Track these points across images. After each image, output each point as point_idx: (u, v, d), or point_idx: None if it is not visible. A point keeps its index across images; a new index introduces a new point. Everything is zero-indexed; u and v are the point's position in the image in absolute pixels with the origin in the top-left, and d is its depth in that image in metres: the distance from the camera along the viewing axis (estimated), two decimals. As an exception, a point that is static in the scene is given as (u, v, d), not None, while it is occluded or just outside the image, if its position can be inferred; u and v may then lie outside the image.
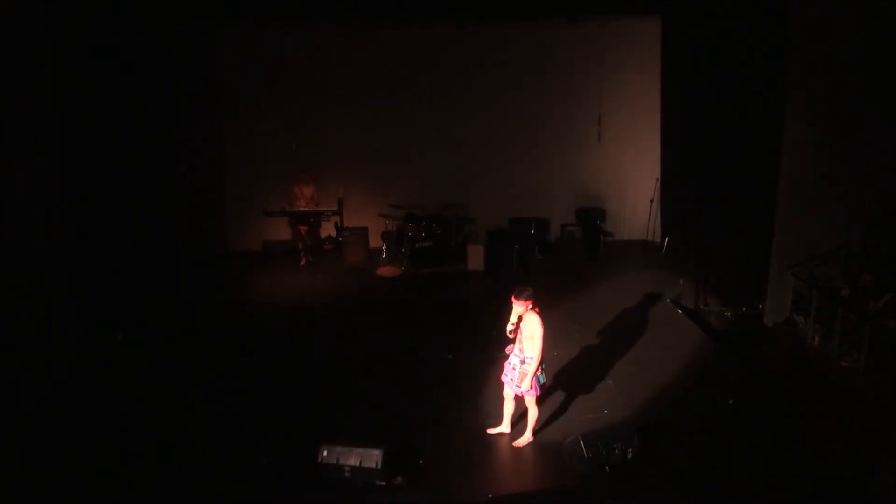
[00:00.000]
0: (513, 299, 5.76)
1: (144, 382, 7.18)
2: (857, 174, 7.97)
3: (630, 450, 5.75)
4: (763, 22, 8.42)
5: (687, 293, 9.64)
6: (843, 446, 5.98)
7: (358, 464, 5.48)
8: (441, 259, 11.14)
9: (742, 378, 7.33)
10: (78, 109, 7.80)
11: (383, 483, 5.49)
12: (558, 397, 6.85)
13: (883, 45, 7.61)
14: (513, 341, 5.96)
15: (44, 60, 7.17)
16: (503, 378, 6.09)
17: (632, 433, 5.87)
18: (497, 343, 6.05)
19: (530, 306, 5.75)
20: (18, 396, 6.43)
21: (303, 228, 11.26)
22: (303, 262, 11.31)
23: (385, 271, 10.88)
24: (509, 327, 5.81)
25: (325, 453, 5.55)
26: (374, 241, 11.47)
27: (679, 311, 9.25)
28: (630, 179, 12.26)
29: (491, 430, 6.25)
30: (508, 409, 6.21)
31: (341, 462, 5.50)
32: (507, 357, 6.08)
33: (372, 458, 5.48)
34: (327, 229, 11.98)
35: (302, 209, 11.09)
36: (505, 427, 6.26)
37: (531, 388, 5.87)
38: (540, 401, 6.19)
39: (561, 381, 7.11)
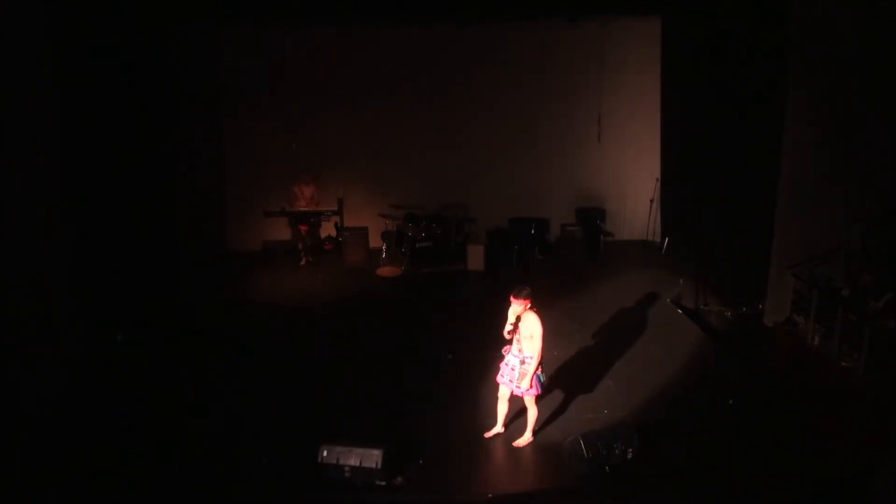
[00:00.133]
0: (511, 299, 5.75)
1: (144, 382, 7.18)
2: (857, 174, 7.97)
3: (630, 450, 5.75)
4: (763, 22, 8.41)
5: (687, 293, 9.64)
6: (843, 446, 5.98)
7: (358, 464, 5.48)
8: (441, 259, 11.14)
9: (742, 378, 7.33)
10: (78, 109, 7.80)
11: (383, 483, 5.49)
12: (558, 397, 6.85)
13: (883, 45, 7.61)
14: (509, 342, 5.95)
15: (44, 60, 7.18)
16: (499, 379, 6.06)
17: (632, 433, 5.87)
18: (498, 343, 6.04)
19: (529, 305, 5.75)
20: (18, 396, 6.43)
21: (303, 228, 11.26)
22: (303, 262, 11.31)
23: (385, 271, 10.88)
24: (508, 327, 5.80)
25: (325, 453, 5.55)
26: (374, 241, 11.47)
27: (679, 311, 9.25)
28: (630, 179, 12.27)
29: (487, 434, 6.23)
30: (503, 409, 6.20)
31: (341, 462, 5.50)
32: (502, 358, 6.07)
33: (372, 458, 5.48)
34: (327, 229, 11.98)
35: (302, 209, 11.09)
36: (499, 428, 6.26)
37: (531, 387, 5.86)
38: (539, 400, 6.19)
39: (561, 380, 7.11)
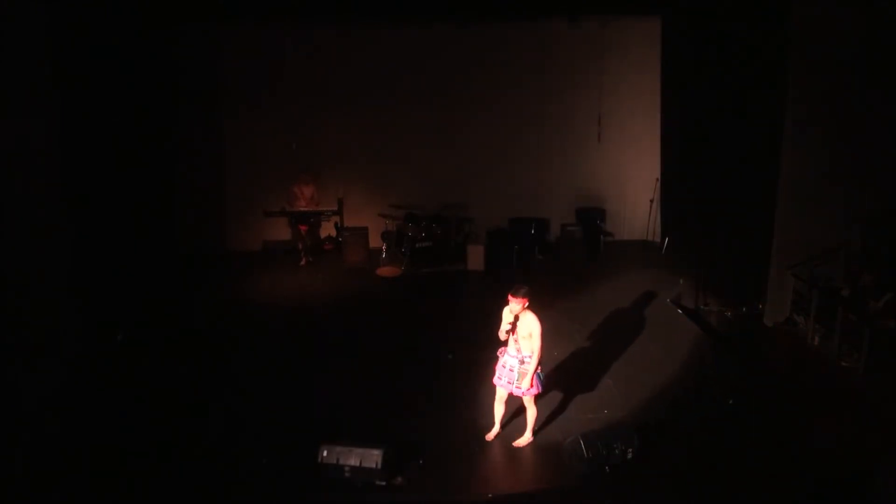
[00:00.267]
0: (509, 297, 5.73)
1: (144, 382, 7.18)
2: (857, 174, 7.97)
3: (630, 450, 5.75)
4: (763, 22, 8.41)
5: (687, 293, 9.64)
6: (843, 446, 5.98)
7: (358, 464, 5.48)
8: (441, 259, 11.14)
9: (742, 378, 7.33)
10: (78, 109, 7.81)
11: (383, 483, 5.49)
12: (558, 397, 6.85)
13: (883, 45, 7.61)
14: (505, 343, 5.94)
15: (44, 60, 7.18)
16: (496, 381, 6.03)
17: (632, 433, 5.87)
18: (498, 343, 6.03)
19: (526, 304, 5.73)
20: (18, 396, 6.43)
21: (303, 228, 11.26)
22: (303, 262, 11.31)
23: (385, 271, 10.88)
24: (506, 327, 5.77)
25: (325, 453, 5.56)
26: (374, 241, 11.47)
27: (679, 311, 9.25)
28: (630, 179, 12.26)
29: (488, 437, 6.22)
30: (500, 411, 6.19)
31: (341, 462, 5.51)
32: (497, 360, 6.05)
33: (372, 458, 5.48)
34: (327, 229, 11.98)
35: (302, 209, 11.10)
36: (497, 429, 6.25)
37: (532, 386, 5.86)
38: (539, 399, 6.18)
39: (561, 380, 7.12)
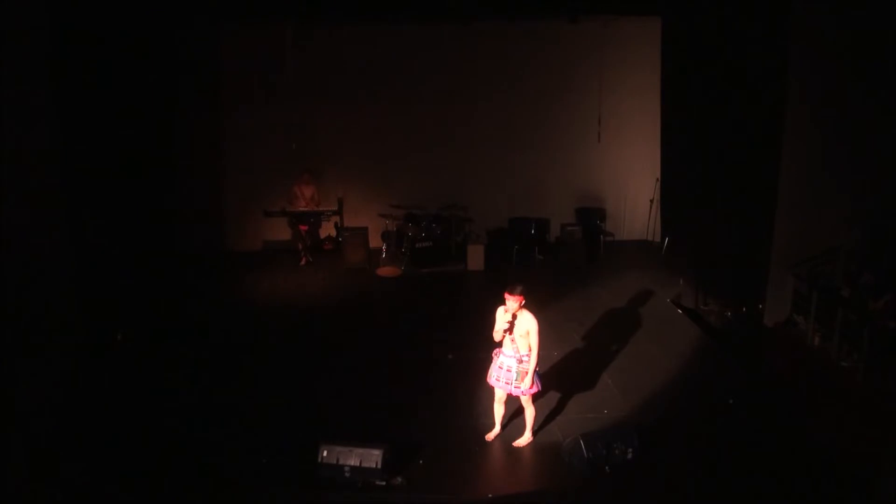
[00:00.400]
0: (506, 295, 5.69)
1: (144, 382, 7.18)
2: (857, 174, 7.97)
3: (630, 450, 5.75)
4: (763, 22, 8.41)
5: (687, 293, 9.64)
6: (843, 446, 5.98)
7: (358, 464, 5.48)
8: (441, 259, 11.14)
9: (742, 378, 7.33)
10: (78, 109, 7.80)
11: (383, 483, 5.49)
12: (558, 397, 6.85)
13: (883, 44, 7.60)
14: (499, 344, 5.92)
15: (44, 60, 7.17)
16: (494, 383, 5.99)
17: (632, 433, 5.86)
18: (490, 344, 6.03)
19: (522, 302, 5.71)
20: (18, 396, 6.43)
21: (303, 228, 11.26)
22: (303, 262, 11.31)
23: (385, 271, 10.88)
24: (503, 326, 5.72)
25: (325, 453, 5.55)
26: (374, 241, 11.46)
27: (679, 311, 9.26)
28: (630, 179, 12.27)
29: (488, 437, 6.22)
30: (499, 411, 6.17)
31: (341, 462, 5.50)
32: (491, 361, 6.02)
33: (372, 458, 5.48)
34: (327, 229, 11.98)
35: (302, 209, 11.10)
36: (497, 429, 6.25)
37: (531, 385, 5.85)
38: (537, 398, 6.18)
39: (561, 380, 7.12)
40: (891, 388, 6.63)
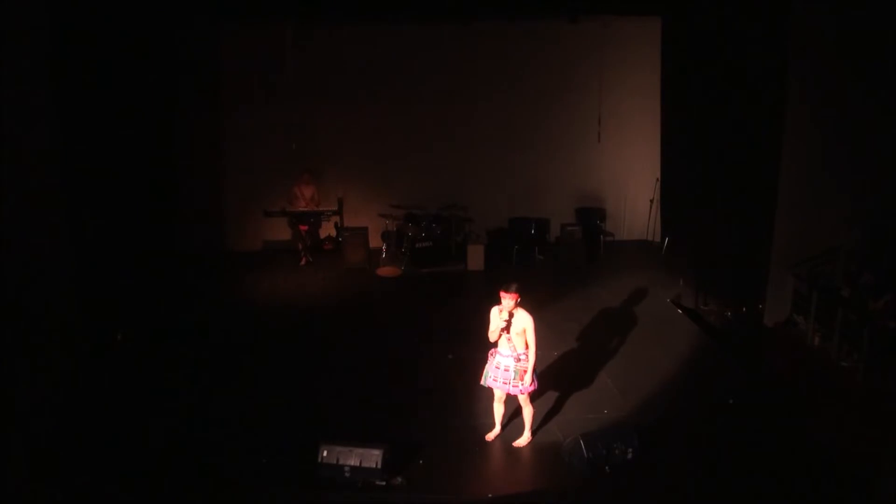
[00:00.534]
0: (501, 294, 5.69)
1: (144, 382, 7.18)
2: (857, 174, 7.97)
3: (630, 450, 5.75)
4: (763, 22, 8.41)
5: (687, 293, 9.64)
6: (843, 446, 5.98)
7: (358, 464, 5.48)
8: (441, 259, 11.14)
9: (742, 378, 7.33)
10: (78, 109, 7.80)
11: (383, 483, 5.49)
12: (558, 397, 6.85)
13: (883, 44, 7.61)
14: (494, 345, 5.91)
15: (44, 60, 7.17)
16: (491, 384, 5.97)
17: (632, 433, 5.86)
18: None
19: (518, 300, 5.70)
20: (18, 396, 6.43)
21: (303, 228, 11.26)
22: (303, 262, 11.31)
23: (385, 271, 10.88)
24: (500, 325, 5.70)
25: (325, 453, 5.55)
26: (374, 241, 11.46)
27: (679, 311, 9.26)
28: (630, 179, 12.27)
29: (488, 437, 6.22)
30: (499, 411, 6.17)
31: (341, 462, 5.50)
32: (485, 362, 6.01)
33: (372, 458, 5.48)
34: (327, 229, 11.97)
35: (302, 209, 11.10)
36: (497, 429, 6.25)
37: (531, 383, 5.84)
38: (534, 397, 6.17)
39: (561, 380, 7.12)
40: (891, 388, 6.63)
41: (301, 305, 9.65)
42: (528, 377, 5.81)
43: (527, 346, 5.80)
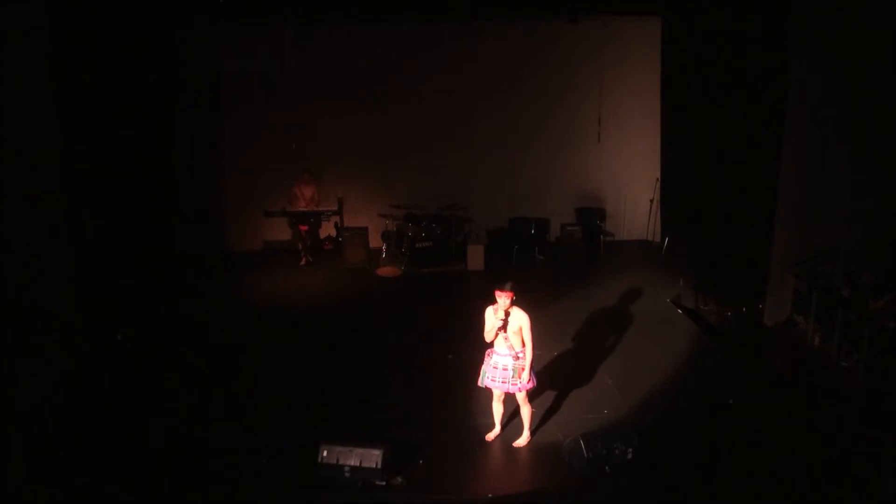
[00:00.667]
0: (497, 293, 5.67)
1: (144, 382, 7.18)
2: (857, 174, 7.97)
3: (630, 450, 5.75)
4: (763, 22, 8.41)
5: (687, 293, 9.64)
6: (843, 446, 5.98)
7: (358, 464, 5.48)
8: (441, 259, 11.14)
9: (742, 378, 7.33)
10: (78, 109, 7.80)
11: (383, 483, 5.49)
12: (558, 397, 6.85)
13: (883, 44, 7.60)
14: (491, 345, 5.90)
15: (44, 60, 7.17)
16: (490, 384, 5.96)
17: (632, 433, 5.86)
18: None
19: (513, 298, 5.69)
20: (18, 396, 6.43)
21: (303, 228, 11.26)
22: (303, 262, 11.31)
23: (385, 271, 10.88)
24: (497, 324, 5.69)
25: (325, 453, 5.55)
26: (374, 241, 11.46)
27: (679, 311, 9.26)
28: (630, 179, 12.26)
29: (488, 437, 6.22)
30: (499, 410, 6.16)
31: (341, 462, 5.50)
32: (481, 363, 6.00)
33: (372, 458, 5.48)
34: (327, 229, 11.98)
35: (302, 209, 11.11)
36: (498, 429, 6.25)
37: (530, 380, 5.84)
38: (534, 397, 6.16)
39: (561, 380, 7.12)
40: (891, 388, 6.63)
41: (301, 305, 9.65)
42: (525, 374, 5.81)
43: (523, 344, 5.81)
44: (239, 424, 6.39)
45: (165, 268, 10.20)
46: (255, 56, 11.48)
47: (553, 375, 7.17)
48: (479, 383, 6.05)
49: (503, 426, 6.26)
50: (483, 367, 6.00)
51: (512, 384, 5.85)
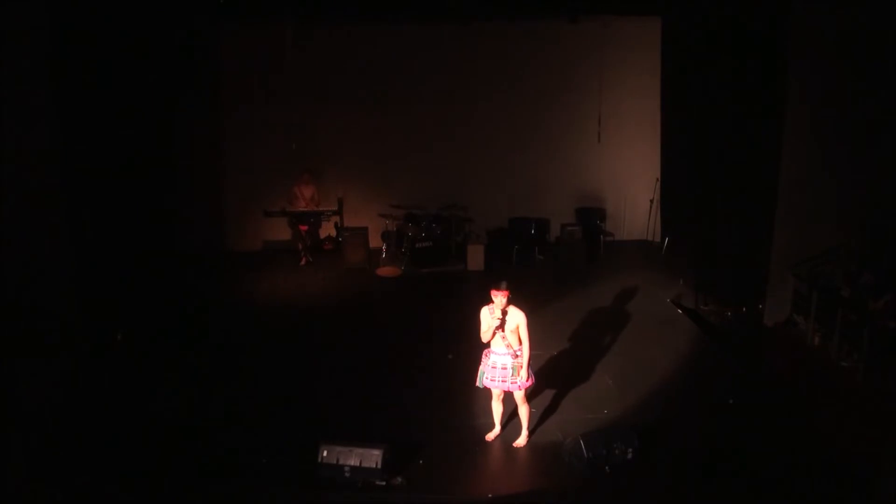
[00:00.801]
0: (493, 293, 5.66)
1: (144, 382, 7.18)
2: (857, 174, 7.97)
3: (630, 450, 5.75)
4: (763, 22, 8.41)
5: (687, 293, 9.64)
6: (843, 446, 5.98)
7: (358, 464, 5.48)
8: (441, 259, 11.14)
9: (742, 378, 7.33)
10: (77, 109, 7.80)
11: (383, 483, 5.49)
12: (558, 397, 6.85)
13: (883, 44, 7.60)
14: (487, 345, 5.90)
15: (44, 60, 7.17)
16: (487, 383, 5.96)
17: (632, 433, 5.86)
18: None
19: (508, 297, 5.69)
20: (18, 395, 6.44)
21: (303, 228, 11.27)
22: (303, 262, 11.31)
23: (385, 271, 10.88)
24: (494, 324, 5.68)
25: (325, 453, 5.55)
26: (374, 241, 11.46)
27: (679, 311, 9.25)
28: (630, 179, 12.26)
29: (489, 437, 6.22)
30: (498, 409, 6.17)
31: (341, 462, 5.50)
32: (479, 364, 6.00)
33: (372, 458, 5.48)
34: (327, 229, 11.98)
35: (302, 209, 11.11)
36: (498, 429, 6.25)
37: (528, 377, 5.85)
38: (533, 396, 6.16)
39: (561, 380, 7.12)
40: (891, 388, 6.63)
41: (301, 305, 9.65)
42: (524, 372, 5.82)
43: (520, 342, 5.81)
44: (239, 424, 6.39)
45: (165, 268, 10.19)
46: (255, 56, 11.47)
47: (553, 375, 7.18)
48: (477, 384, 6.05)
49: (503, 426, 6.26)
50: (481, 367, 6.00)
51: (511, 382, 5.86)
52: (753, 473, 5.66)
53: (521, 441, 6.11)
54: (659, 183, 11.95)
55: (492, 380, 5.92)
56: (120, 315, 8.36)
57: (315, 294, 10.18)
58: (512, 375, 5.83)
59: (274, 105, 11.59)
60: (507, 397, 6.09)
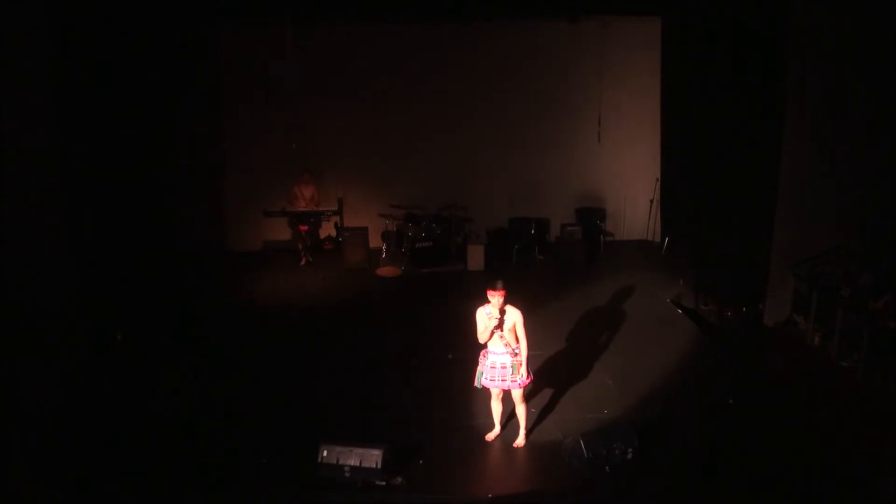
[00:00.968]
0: (490, 293, 5.66)
1: (144, 382, 7.18)
2: (857, 174, 7.97)
3: (630, 450, 5.75)
4: (763, 22, 8.41)
5: (687, 293, 9.64)
6: (843, 446, 5.98)
7: (358, 464, 5.48)
8: (441, 259, 11.14)
9: (742, 378, 7.33)
10: (78, 109, 7.80)
11: (383, 483, 5.49)
12: (557, 397, 6.85)
13: (883, 44, 7.60)
14: (485, 346, 5.90)
15: (44, 60, 7.17)
16: (486, 383, 5.96)
17: (632, 433, 5.86)
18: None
19: (505, 296, 5.69)
20: (18, 396, 6.43)
21: (303, 228, 11.27)
22: (303, 262, 11.31)
23: (385, 271, 10.88)
24: (491, 324, 5.67)
25: (325, 453, 5.55)
26: (374, 241, 11.46)
27: (679, 311, 9.25)
28: (630, 179, 12.26)
29: (489, 437, 6.22)
30: (498, 409, 6.17)
31: (341, 462, 5.50)
32: (477, 364, 6.00)
33: (372, 458, 5.48)
34: (327, 229, 11.98)
35: (302, 209, 11.11)
36: (498, 429, 6.25)
37: (527, 375, 5.85)
38: (533, 396, 6.16)
39: (560, 380, 7.12)
40: (891, 388, 6.63)
41: (301, 305, 9.65)
42: (523, 369, 5.83)
43: (517, 340, 5.82)
44: (239, 424, 6.38)
45: (165, 268, 10.19)
46: (255, 56, 11.47)
47: (553, 375, 7.18)
48: (476, 384, 6.05)
49: (503, 426, 6.26)
50: (479, 368, 6.00)
51: (511, 381, 5.86)
52: (753, 473, 5.67)
53: (520, 441, 6.11)
54: (659, 183, 11.95)
55: (491, 379, 5.92)
56: (120, 315, 8.36)
57: (315, 294, 10.18)
58: (512, 374, 5.84)
59: (274, 105, 11.58)
60: (507, 397, 6.09)
